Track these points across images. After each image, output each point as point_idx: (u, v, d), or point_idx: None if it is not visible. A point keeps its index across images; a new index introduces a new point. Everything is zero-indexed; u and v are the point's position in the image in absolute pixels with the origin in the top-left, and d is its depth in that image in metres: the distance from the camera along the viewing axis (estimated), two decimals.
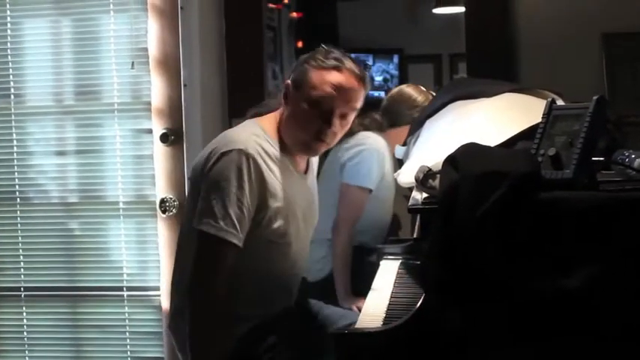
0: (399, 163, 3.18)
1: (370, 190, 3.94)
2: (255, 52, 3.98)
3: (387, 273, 2.72)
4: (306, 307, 2.90)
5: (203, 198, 2.53)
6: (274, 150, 2.63)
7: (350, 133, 3.65)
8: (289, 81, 2.65)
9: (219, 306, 2.52)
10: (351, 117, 2.69)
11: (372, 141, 3.99)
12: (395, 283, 2.60)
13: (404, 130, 4.10)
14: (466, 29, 3.88)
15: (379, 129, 4.06)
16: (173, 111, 3.83)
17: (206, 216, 2.51)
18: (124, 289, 3.93)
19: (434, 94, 4.14)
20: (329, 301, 3.16)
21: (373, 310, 2.37)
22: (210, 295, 2.52)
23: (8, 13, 3.96)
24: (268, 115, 2.72)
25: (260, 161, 2.55)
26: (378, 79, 6.99)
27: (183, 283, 2.63)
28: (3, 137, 4.00)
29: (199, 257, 2.53)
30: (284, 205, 2.62)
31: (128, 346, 3.94)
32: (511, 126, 2.44)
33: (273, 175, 2.60)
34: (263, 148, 2.59)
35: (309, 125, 2.63)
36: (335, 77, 2.62)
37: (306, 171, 2.81)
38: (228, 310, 2.56)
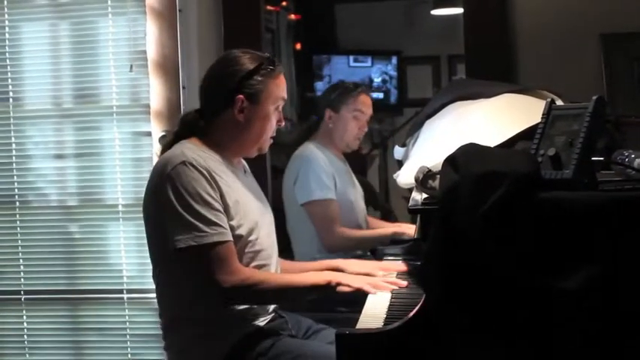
0: (398, 164, 3.18)
1: (330, 197, 3.97)
2: None
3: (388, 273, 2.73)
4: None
5: (172, 218, 2.55)
6: (211, 156, 2.69)
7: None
8: (242, 96, 2.69)
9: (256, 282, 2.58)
10: None
11: (305, 153, 4.05)
12: None
13: (325, 126, 4.15)
14: (464, 30, 3.89)
15: (307, 135, 4.13)
16: (172, 113, 3.83)
17: (185, 232, 2.53)
18: (124, 291, 3.93)
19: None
20: (324, 314, 3.18)
21: (374, 310, 2.37)
22: (246, 283, 2.56)
23: (6, 17, 3.96)
24: (192, 137, 2.75)
25: (204, 164, 2.60)
26: (377, 80, 6.99)
27: (164, 306, 2.74)
28: (2, 141, 4.00)
29: (208, 270, 2.54)
30: (240, 201, 2.67)
31: (129, 349, 3.94)
32: (510, 126, 2.45)
33: (220, 176, 2.64)
34: (200, 156, 2.64)
35: (271, 129, 2.76)
36: (283, 80, 2.77)
37: (244, 171, 2.89)
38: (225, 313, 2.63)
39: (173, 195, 2.55)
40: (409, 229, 3.85)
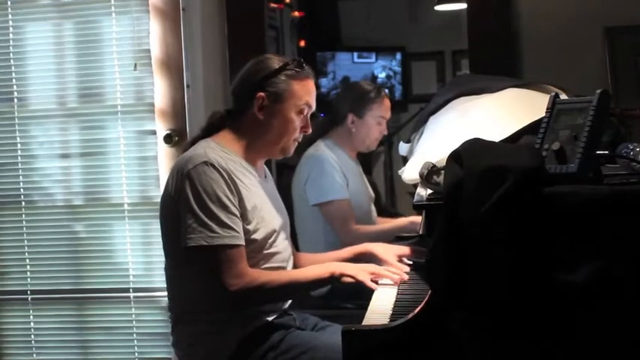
0: (402, 160, 3.18)
1: (344, 197, 3.97)
2: (258, 52, 3.94)
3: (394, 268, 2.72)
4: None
5: (187, 216, 2.57)
6: (233, 158, 2.70)
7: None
8: (263, 94, 2.71)
9: (260, 287, 2.59)
10: None
11: (318, 153, 4.05)
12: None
13: (344, 128, 4.14)
14: (468, 25, 3.88)
15: (317, 134, 4.13)
16: (176, 112, 3.83)
17: (198, 231, 2.55)
18: (131, 290, 3.93)
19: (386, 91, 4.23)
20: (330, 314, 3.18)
21: (380, 306, 2.38)
22: (251, 285, 2.57)
23: (10, 17, 3.96)
24: (217, 134, 2.77)
25: (225, 166, 2.62)
26: (381, 76, 6.98)
27: (174, 300, 2.76)
28: (7, 141, 4.00)
29: (216, 272, 2.56)
30: (258, 206, 2.69)
31: (135, 347, 3.94)
32: (515, 121, 2.45)
33: (240, 179, 2.66)
34: (222, 157, 2.66)
35: (294, 131, 2.76)
36: (310, 85, 2.78)
37: (265, 176, 2.89)
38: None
39: (191, 194, 2.57)
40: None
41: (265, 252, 2.69)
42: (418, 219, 3.90)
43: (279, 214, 2.82)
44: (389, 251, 2.83)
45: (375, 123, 4.11)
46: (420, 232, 2.91)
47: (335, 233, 3.99)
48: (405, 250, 2.85)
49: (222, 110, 2.84)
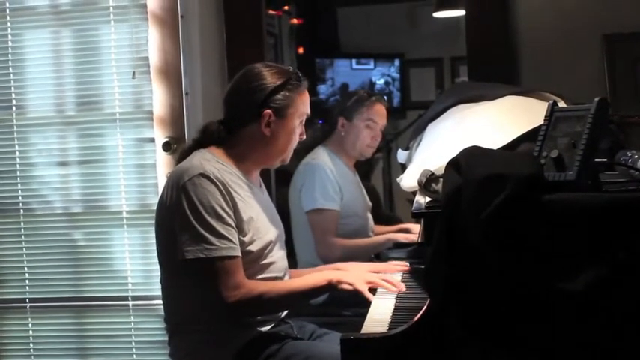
0: (401, 168, 3.18)
1: (332, 208, 3.97)
2: (256, 59, 3.92)
3: (392, 277, 2.72)
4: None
5: (184, 229, 2.57)
6: (229, 169, 2.70)
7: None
8: (270, 111, 2.71)
9: (259, 296, 2.58)
10: None
11: (315, 161, 4.05)
12: None
13: (337, 133, 4.15)
14: (467, 32, 3.88)
15: (316, 141, 4.13)
16: (175, 119, 3.83)
17: (195, 244, 2.55)
18: (129, 298, 3.92)
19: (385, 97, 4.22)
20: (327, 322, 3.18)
21: (379, 314, 2.37)
22: (249, 296, 2.56)
23: (9, 24, 3.96)
24: (212, 146, 2.77)
25: (221, 178, 2.62)
26: (380, 82, 6.99)
27: (170, 311, 2.75)
28: (5, 149, 4.00)
29: (214, 283, 2.55)
30: (254, 218, 2.69)
31: (134, 356, 3.94)
32: (513, 129, 2.45)
33: (235, 191, 2.66)
34: (218, 169, 2.65)
35: (295, 142, 2.80)
36: (307, 94, 2.81)
37: (260, 186, 2.90)
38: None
39: (187, 206, 2.56)
40: (414, 229, 3.86)
41: (261, 262, 2.69)
42: (396, 236, 3.92)
43: (274, 225, 2.82)
44: (360, 269, 2.82)
45: (364, 126, 4.11)
46: (419, 240, 2.92)
47: (314, 244, 3.99)
48: (380, 267, 2.85)
49: (216, 121, 2.83)
